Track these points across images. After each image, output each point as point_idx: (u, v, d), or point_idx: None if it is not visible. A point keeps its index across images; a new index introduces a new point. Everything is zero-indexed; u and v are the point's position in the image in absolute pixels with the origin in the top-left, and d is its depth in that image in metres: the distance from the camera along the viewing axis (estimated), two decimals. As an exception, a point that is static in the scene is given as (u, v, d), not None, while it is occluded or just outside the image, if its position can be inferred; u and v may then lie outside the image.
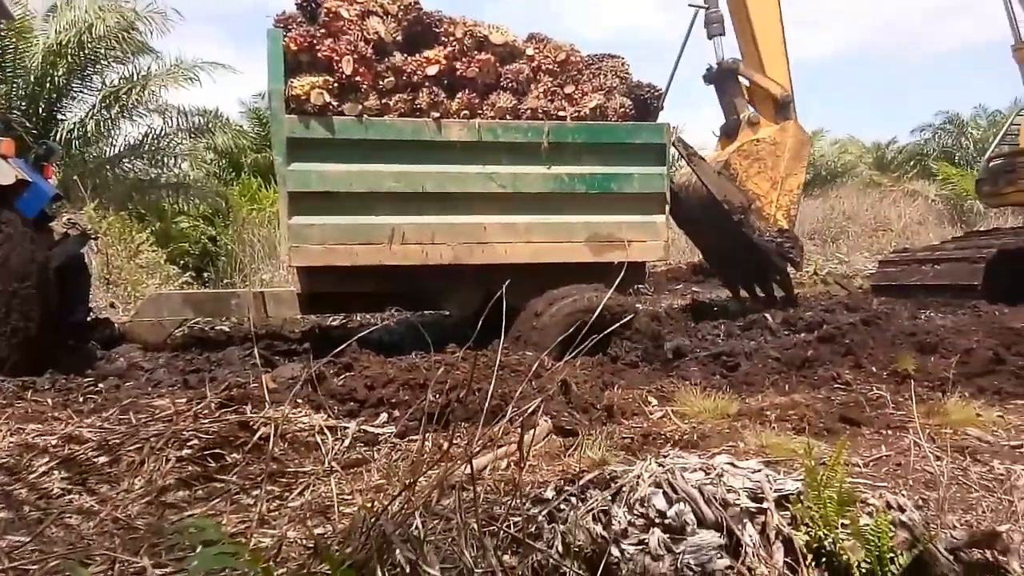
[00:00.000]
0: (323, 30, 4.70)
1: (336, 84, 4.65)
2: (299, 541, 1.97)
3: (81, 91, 13.57)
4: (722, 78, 5.94)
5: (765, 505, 2.18)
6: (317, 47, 4.64)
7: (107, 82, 13.55)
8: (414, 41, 4.90)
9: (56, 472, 2.50)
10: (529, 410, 2.41)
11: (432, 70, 4.79)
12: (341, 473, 2.60)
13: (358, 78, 4.67)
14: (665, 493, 2.05)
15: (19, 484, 2.43)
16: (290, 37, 4.63)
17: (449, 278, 5.03)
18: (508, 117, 4.90)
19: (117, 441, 2.66)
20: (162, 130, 14.03)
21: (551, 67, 5.07)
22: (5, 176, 4.42)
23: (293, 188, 4.62)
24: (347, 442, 2.87)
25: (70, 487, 2.45)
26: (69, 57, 12.81)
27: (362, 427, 2.97)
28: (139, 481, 2.50)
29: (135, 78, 13.38)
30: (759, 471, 2.34)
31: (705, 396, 3.60)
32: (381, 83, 4.75)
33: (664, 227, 5.17)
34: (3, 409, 3.46)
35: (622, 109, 5.11)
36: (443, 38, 4.90)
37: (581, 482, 2.28)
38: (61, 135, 14.26)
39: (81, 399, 3.87)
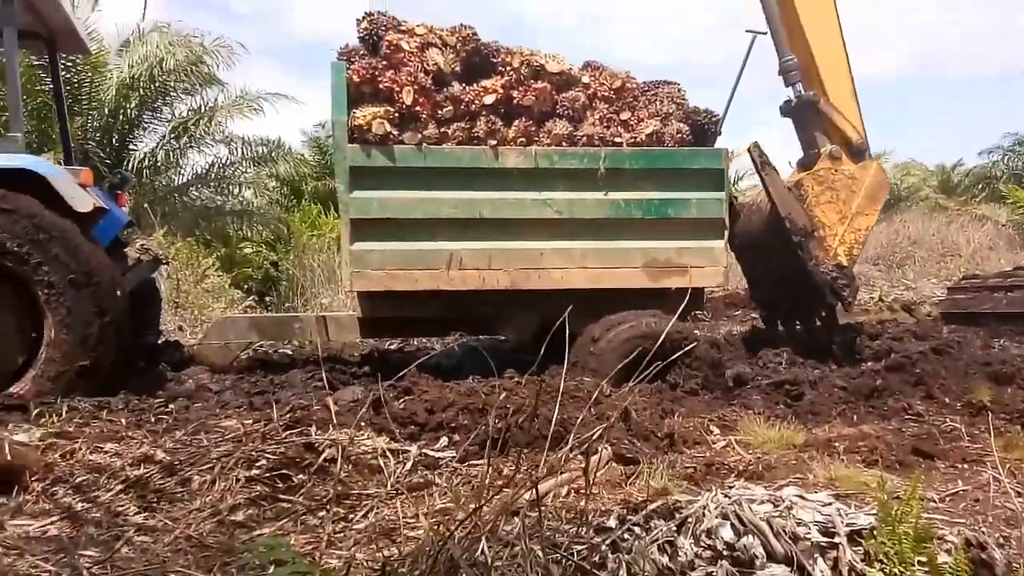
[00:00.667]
0: (384, 62, 4.83)
1: (397, 114, 4.77)
2: (365, 563, 2.00)
3: (152, 122, 14.16)
4: (801, 111, 5.74)
5: (837, 540, 2.12)
6: (379, 79, 4.77)
7: (176, 113, 14.12)
8: (472, 71, 5.01)
9: (131, 491, 2.59)
10: (593, 437, 2.40)
11: (489, 99, 4.89)
12: (404, 496, 2.62)
13: (418, 108, 4.79)
14: (733, 525, 2.01)
15: (96, 503, 2.53)
16: (353, 69, 4.77)
17: (505, 304, 5.05)
18: (564, 144, 4.95)
19: (189, 461, 2.74)
20: (227, 159, 14.52)
21: (607, 94, 5.11)
22: (84, 204, 4.58)
23: (355, 215, 4.74)
24: (409, 465, 2.90)
25: (144, 505, 2.54)
26: (141, 90, 13.40)
27: (423, 451, 3.00)
28: (209, 500, 2.57)
29: (203, 109, 13.92)
30: (830, 504, 2.28)
31: (769, 425, 3.52)
32: (440, 112, 4.85)
33: (723, 253, 5.11)
34: (80, 428, 3.61)
35: (679, 135, 5.09)
36: (500, 68, 5.00)
37: (644, 512, 2.25)
38: (132, 165, 14.90)
39: (153, 419, 3.98)
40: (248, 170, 14.69)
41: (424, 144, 4.79)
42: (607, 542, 2.07)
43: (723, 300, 8.71)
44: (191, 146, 14.14)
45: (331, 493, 2.67)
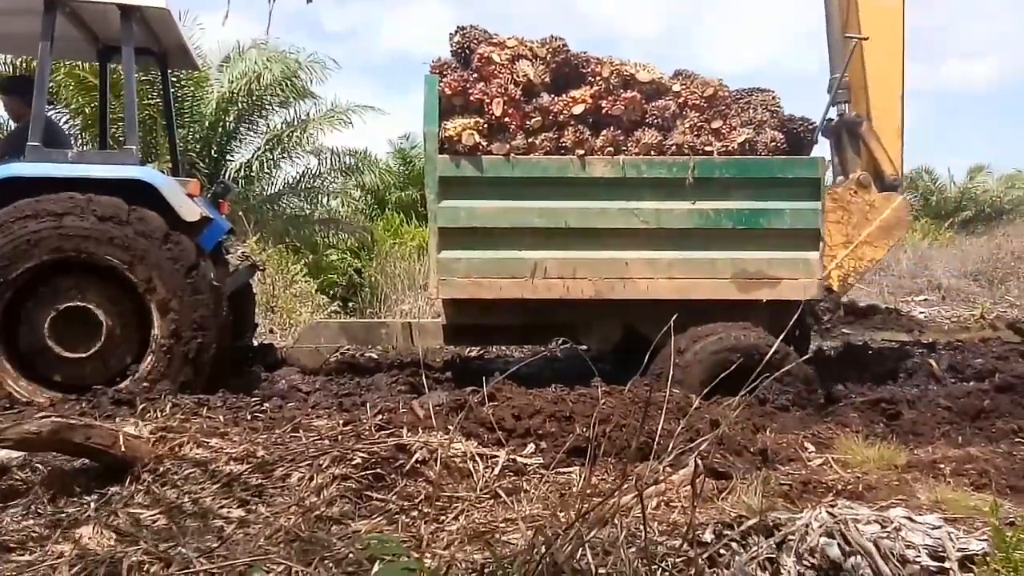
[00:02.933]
0: (476, 75, 4.91)
1: (486, 125, 4.82)
2: (463, 563, 2.02)
3: (248, 134, 14.78)
4: (842, 131, 5.43)
5: (947, 565, 2.02)
6: (470, 91, 4.84)
7: (271, 126, 14.69)
8: (562, 82, 5.01)
9: (234, 484, 2.70)
10: (686, 449, 2.36)
11: (578, 109, 4.87)
12: (497, 500, 2.64)
13: (507, 119, 4.82)
14: (839, 544, 1.94)
15: (204, 492, 2.65)
16: (445, 82, 4.85)
17: (589, 313, 5.01)
18: (653, 153, 4.88)
19: (287, 457, 2.84)
20: (317, 169, 15.03)
21: (698, 103, 5.00)
22: (192, 213, 4.80)
23: (443, 224, 4.81)
24: (497, 470, 2.92)
25: (247, 498, 2.64)
26: (239, 104, 14.02)
27: (511, 456, 3.01)
28: (306, 496, 2.65)
29: (295, 122, 14.45)
30: (939, 527, 2.17)
31: (867, 444, 3.38)
32: (529, 123, 4.87)
33: (818, 264, 4.91)
34: (183, 424, 3.79)
35: (773, 143, 4.95)
36: (590, 78, 4.97)
37: (742, 527, 2.20)
38: (229, 175, 15.58)
39: (249, 417, 4.15)
40: (336, 180, 15.14)
41: (512, 154, 4.82)
42: (704, 556, 2.03)
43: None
44: (283, 157, 14.69)
45: (423, 494, 2.72)
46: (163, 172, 5.72)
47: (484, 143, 4.81)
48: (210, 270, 4.85)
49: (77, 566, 1.96)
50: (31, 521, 2.45)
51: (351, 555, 2.18)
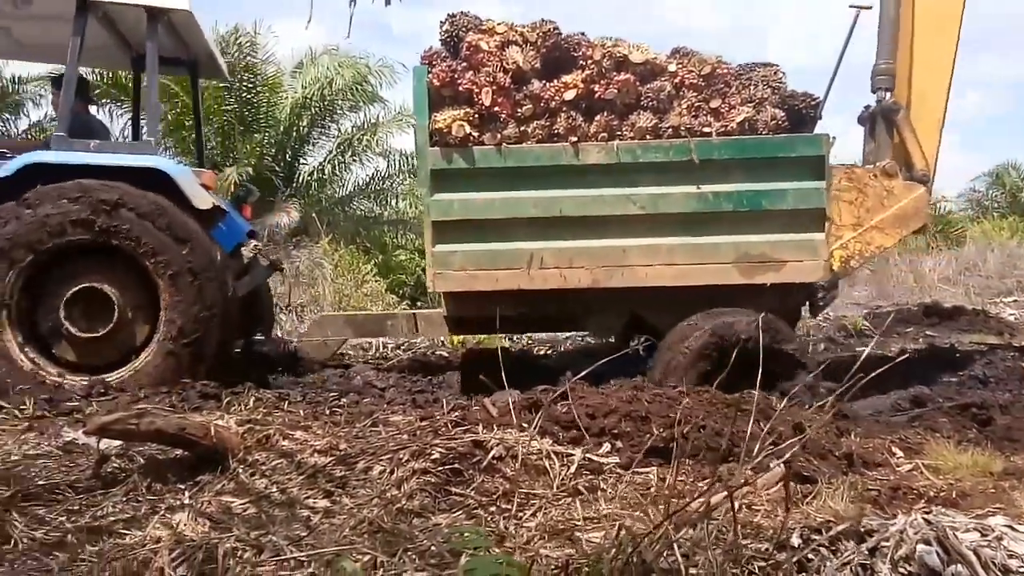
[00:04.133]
0: (464, 63, 4.80)
1: (476, 115, 4.74)
2: (541, 558, 2.02)
3: (320, 138, 15.20)
4: (876, 119, 5.16)
5: (1055, 577, 1.92)
6: (458, 81, 4.73)
7: (342, 130, 15.07)
8: (553, 67, 4.87)
9: (319, 476, 2.77)
10: (781, 452, 2.31)
11: (570, 95, 4.74)
12: (575, 498, 2.64)
13: (496, 108, 4.72)
14: (937, 552, 1.86)
15: (291, 483, 2.73)
16: (433, 73, 4.76)
17: (591, 302, 4.92)
18: (649, 137, 4.76)
19: (368, 451, 2.90)
20: (386, 171, 15.33)
21: (695, 81, 4.82)
22: (203, 201, 4.93)
23: (436, 217, 4.78)
24: (573, 469, 2.91)
25: (331, 489, 2.71)
26: (312, 108, 14.43)
27: (587, 455, 3.00)
28: (387, 488, 2.70)
29: (365, 126, 14.77)
30: (1044, 538, 2.06)
31: (960, 450, 3.24)
32: (520, 111, 4.77)
33: (824, 245, 4.69)
34: (266, 417, 3.91)
35: (773, 121, 4.74)
36: (581, 62, 4.83)
37: (831, 532, 2.14)
38: (302, 178, 16.03)
39: (328, 412, 4.26)
40: (404, 181, 15.39)
41: (504, 144, 4.74)
42: (793, 560, 1.98)
43: (894, 316, 8.11)
44: (354, 160, 15.04)
45: (500, 490, 2.74)
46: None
47: (475, 134, 4.73)
48: (217, 260, 4.95)
49: (176, 551, 2.05)
50: (131, 507, 2.57)
51: (433, 548, 2.21)
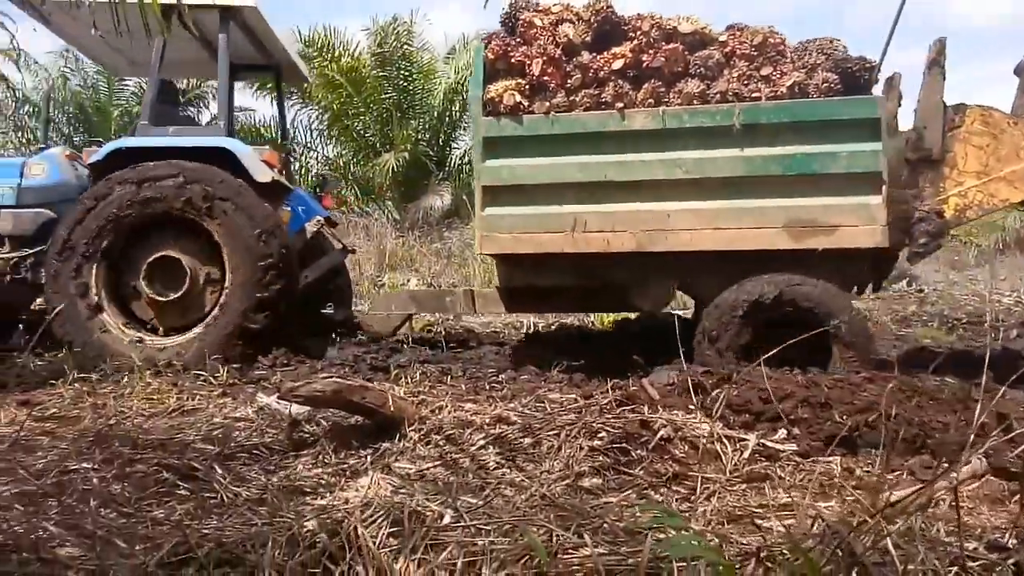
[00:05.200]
0: (519, 39, 5.01)
1: (527, 86, 4.90)
2: (730, 542, 1.95)
3: (471, 122, 15.55)
4: None
5: None
6: (511, 54, 4.93)
7: (492, 114, 15.33)
8: (604, 40, 4.96)
9: (490, 447, 2.84)
10: (982, 443, 2.10)
11: (618, 64, 4.80)
12: (750, 484, 2.54)
13: (546, 78, 4.87)
14: None
15: (463, 454, 2.81)
16: (489, 48, 4.98)
17: (641, 273, 4.96)
18: (696, 103, 4.71)
19: (537, 426, 2.93)
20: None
21: (747, 51, 4.77)
22: (264, 175, 5.34)
23: (486, 182, 4.93)
24: (746, 454, 2.80)
25: (501, 461, 2.76)
26: (464, 94, 14.77)
27: (761, 441, 2.87)
28: (557, 464, 2.72)
29: (514, 108, 14.93)
30: None
31: None
32: (569, 81, 4.89)
33: (881, 209, 4.45)
34: (430, 390, 4.07)
35: (825, 85, 4.60)
36: (631, 33, 4.89)
37: (1054, 535, 1.91)
38: (453, 162, 16.50)
39: (488, 387, 4.37)
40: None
41: (552, 112, 4.84)
42: (1011, 562, 1.79)
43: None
44: (502, 143, 15.28)
45: (671, 471, 2.68)
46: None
47: (525, 103, 4.89)
48: (281, 235, 5.33)
49: (366, 512, 2.16)
50: (319, 470, 2.75)
51: (605, 525, 2.20)
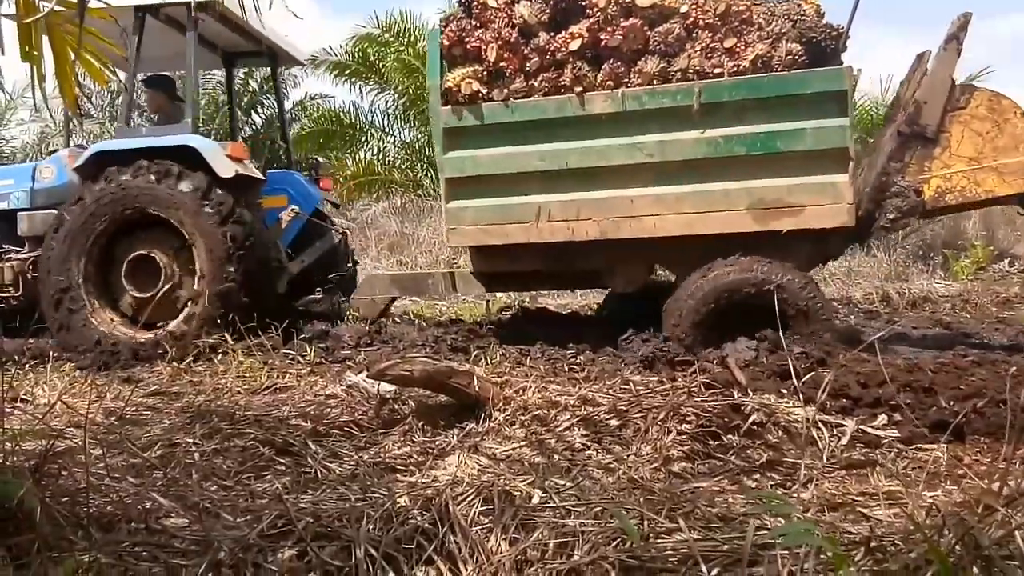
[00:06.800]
0: (475, 22, 4.79)
1: (485, 72, 4.74)
2: (838, 531, 1.88)
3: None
4: None
5: None
6: (467, 39, 4.74)
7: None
8: (562, 20, 4.73)
9: (577, 428, 2.82)
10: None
11: (575, 45, 4.61)
12: (849, 472, 2.44)
13: (503, 63, 4.71)
14: None
15: (549, 435, 2.80)
16: (444, 34, 4.79)
17: (610, 255, 4.86)
18: (656, 82, 4.49)
19: (624, 409, 2.89)
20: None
21: (710, 21, 4.50)
22: (227, 171, 5.37)
23: (449, 175, 4.86)
24: (844, 440, 2.69)
25: (588, 443, 2.74)
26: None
27: (860, 427, 2.75)
28: (646, 447, 2.68)
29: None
30: None
31: None
32: (527, 65, 4.71)
33: (848, 188, 4.31)
34: (510, 371, 4.07)
35: (789, 57, 4.34)
36: (588, 11, 4.64)
37: None
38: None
39: (566, 368, 4.34)
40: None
41: (511, 99, 4.69)
42: None
43: None
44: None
45: (764, 457, 2.60)
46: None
47: (484, 91, 4.74)
48: (249, 222, 5.41)
49: (457, 490, 2.17)
50: (408, 448, 2.79)
51: (698, 510, 2.15)
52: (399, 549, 1.87)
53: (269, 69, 7.38)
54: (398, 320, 6.60)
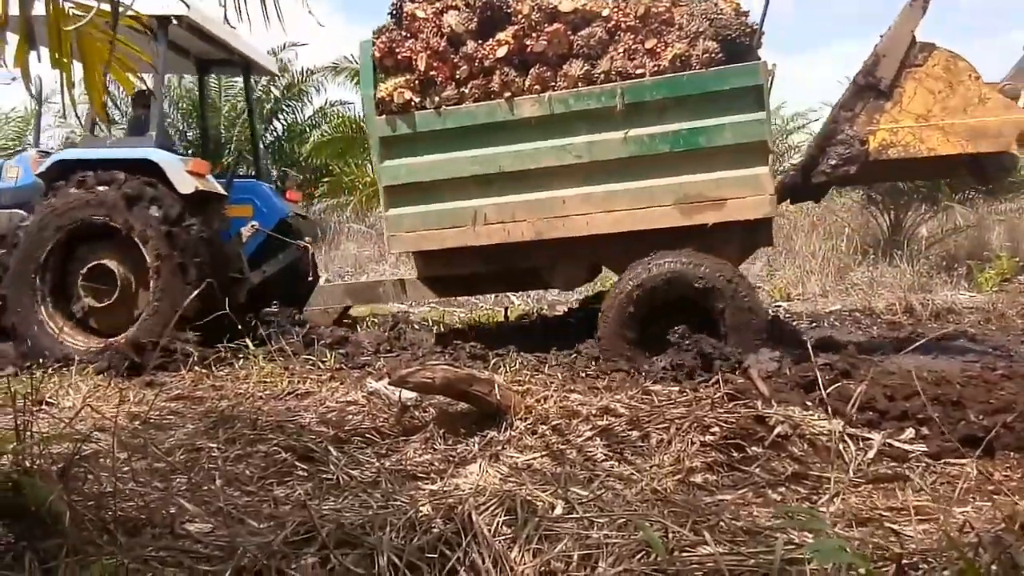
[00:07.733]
0: (405, 33, 4.89)
1: (416, 81, 4.83)
2: (867, 547, 1.85)
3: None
4: None
5: None
6: (397, 50, 4.83)
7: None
8: (489, 28, 4.80)
9: (597, 439, 2.80)
10: None
11: (502, 52, 4.70)
12: (876, 486, 2.41)
13: (433, 72, 4.80)
14: None
15: (568, 445, 2.78)
16: (376, 45, 4.87)
17: (548, 254, 4.95)
18: (581, 84, 4.59)
19: (646, 419, 2.87)
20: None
21: (631, 23, 4.60)
22: (186, 187, 5.36)
23: (387, 183, 4.97)
24: (871, 454, 2.65)
25: (609, 454, 2.72)
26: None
27: (887, 441, 2.71)
28: (667, 458, 2.65)
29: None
30: None
31: None
32: (457, 73, 4.79)
33: (768, 179, 4.42)
34: (530, 379, 4.05)
35: (706, 55, 4.42)
36: (513, 18, 4.73)
37: None
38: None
39: (583, 375, 4.32)
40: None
41: (442, 107, 4.79)
42: None
43: None
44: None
45: (789, 470, 2.57)
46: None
47: (417, 99, 4.84)
48: (202, 234, 5.40)
49: (479, 499, 2.16)
50: (429, 455, 2.78)
51: (723, 523, 2.12)
52: (422, 558, 1.87)
53: (272, 78, 7.47)
54: (417, 327, 6.61)
